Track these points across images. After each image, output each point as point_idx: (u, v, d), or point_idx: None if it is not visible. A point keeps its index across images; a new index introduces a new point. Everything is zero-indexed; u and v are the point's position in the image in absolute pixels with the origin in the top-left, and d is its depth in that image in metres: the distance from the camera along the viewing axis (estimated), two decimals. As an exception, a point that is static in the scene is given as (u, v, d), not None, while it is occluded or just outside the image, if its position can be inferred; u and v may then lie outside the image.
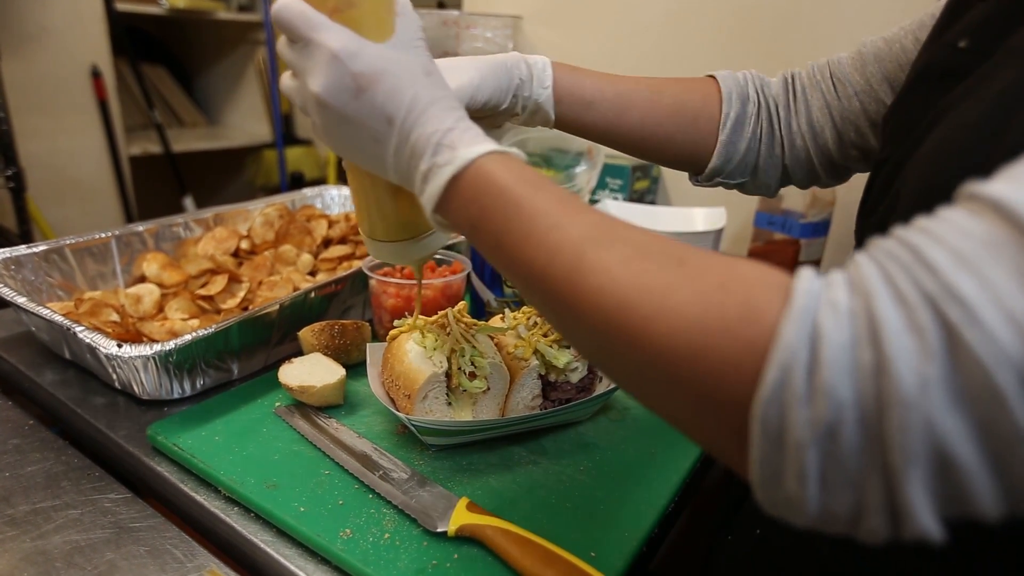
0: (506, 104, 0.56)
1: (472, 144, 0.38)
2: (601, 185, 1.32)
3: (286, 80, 0.44)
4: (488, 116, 0.57)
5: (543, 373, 0.64)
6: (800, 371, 0.25)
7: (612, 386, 0.65)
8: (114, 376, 0.66)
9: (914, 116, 0.45)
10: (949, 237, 0.25)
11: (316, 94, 0.40)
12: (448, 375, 0.60)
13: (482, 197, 0.37)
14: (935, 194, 0.37)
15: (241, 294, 0.82)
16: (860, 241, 0.50)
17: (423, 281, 0.76)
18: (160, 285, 0.82)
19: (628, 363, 0.32)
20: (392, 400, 0.62)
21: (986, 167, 0.32)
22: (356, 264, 0.87)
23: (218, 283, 0.83)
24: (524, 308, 0.68)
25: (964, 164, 0.35)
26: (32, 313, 0.67)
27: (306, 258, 0.91)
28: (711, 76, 0.64)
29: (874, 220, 0.46)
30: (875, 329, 0.24)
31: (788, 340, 0.25)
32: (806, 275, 0.27)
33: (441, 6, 2.02)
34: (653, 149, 0.63)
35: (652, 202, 1.38)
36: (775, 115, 0.63)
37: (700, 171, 0.64)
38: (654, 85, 0.62)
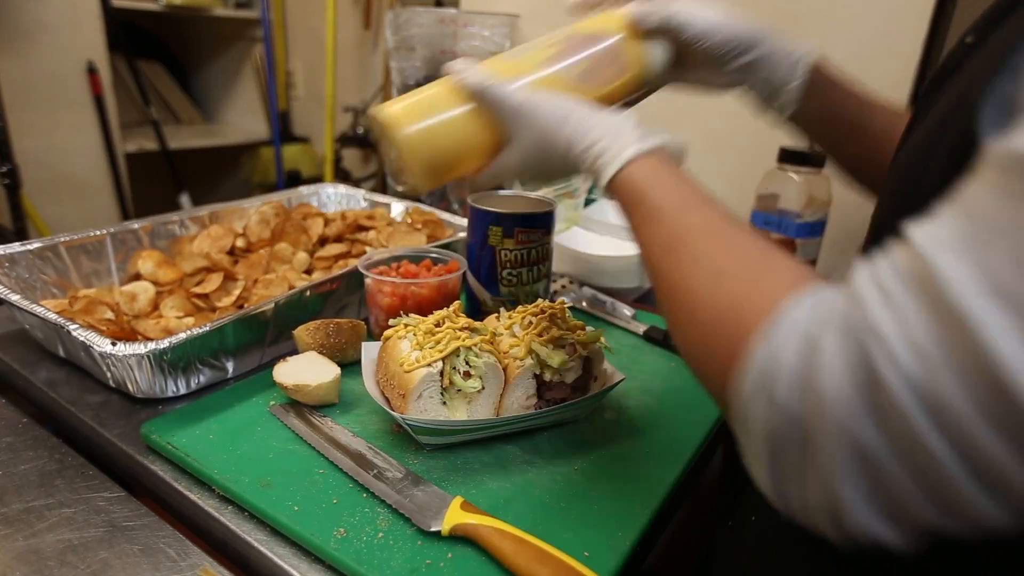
0: (748, 57, 0.59)
1: (627, 145, 0.46)
2: (598, 184, 1.32)
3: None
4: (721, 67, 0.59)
5: (538, 373, 0.64)
6: (760, 375, 0.31)
7: (607, 386, 0.65)
8: (108, 374, 0.66)
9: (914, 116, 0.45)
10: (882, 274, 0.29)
11: None
12: (442, 374, 0.60)
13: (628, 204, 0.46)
14: (905, 194, 0.38)
15: (236, 292, 0.82)
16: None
17: (418, 280, 0.76)
18: (155, 283, 0.82)
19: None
20: (387, 399, 0.62)
21: (941, 172, 0.33)
22: (352, 263, 0.87)
23: (213, 281, 0.82)
24: (519, 308, 0.68)
25: (925, 167, 0.35)
26: (26, 311, 0.67)
27: (302, 256, 0.91)
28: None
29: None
30: (814, 353, 0.29)
31: (758, 352, 0.32)
32: (795, 303, 0.32)
33: (439, 4, 2.01)
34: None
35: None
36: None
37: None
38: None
